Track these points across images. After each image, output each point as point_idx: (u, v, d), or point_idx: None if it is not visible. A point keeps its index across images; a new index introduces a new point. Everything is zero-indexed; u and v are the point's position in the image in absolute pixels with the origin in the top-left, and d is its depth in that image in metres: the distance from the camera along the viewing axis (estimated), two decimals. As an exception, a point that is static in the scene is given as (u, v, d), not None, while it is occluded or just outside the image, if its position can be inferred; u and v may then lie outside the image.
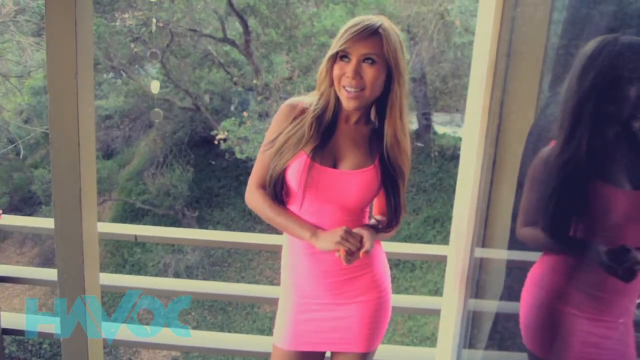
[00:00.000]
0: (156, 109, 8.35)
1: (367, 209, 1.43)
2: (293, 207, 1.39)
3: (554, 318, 1.32)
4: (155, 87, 7.58)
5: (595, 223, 1.23)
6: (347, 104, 1.32)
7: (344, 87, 1.30)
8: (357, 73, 1.28)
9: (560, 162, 1.22)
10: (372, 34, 1.27)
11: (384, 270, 1.47)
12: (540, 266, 1.38)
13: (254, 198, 1.43)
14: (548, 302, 1.33)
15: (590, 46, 1.15)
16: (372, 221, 1.43)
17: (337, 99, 1.35)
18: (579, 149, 1.17)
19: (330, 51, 1.31)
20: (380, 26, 1.28)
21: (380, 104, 1.36)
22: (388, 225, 1.40)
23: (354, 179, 1.34)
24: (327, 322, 1.43)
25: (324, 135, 1.36)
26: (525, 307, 1.38)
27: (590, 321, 1.27)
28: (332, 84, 1.34)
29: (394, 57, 1.29)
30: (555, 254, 1.35)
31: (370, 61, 1.28)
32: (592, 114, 1.16)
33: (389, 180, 1.36)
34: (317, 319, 1.43)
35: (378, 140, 1.37)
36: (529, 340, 1.37)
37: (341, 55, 1.30)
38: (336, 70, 1.31)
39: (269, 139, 1.41)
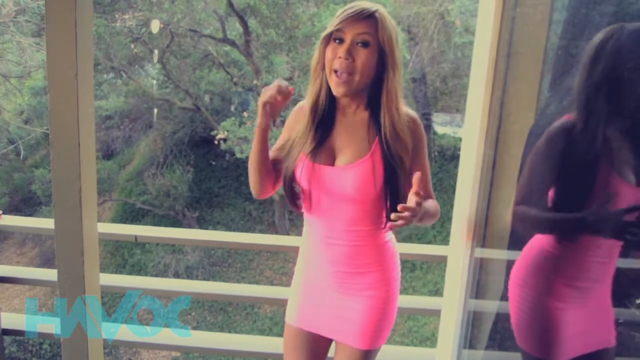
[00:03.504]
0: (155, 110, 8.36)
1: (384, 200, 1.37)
2: (307, 205, 1.41)
3: (543, 314, 1.35)
4: (155, 26, 7.54)
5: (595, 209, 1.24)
6: (337, 89, 1.30)
7: (334, 71, 1.29)
8: (350, 54, 1.27)
9: (575, 143, 1.22)
10: (368, 16, 1.27)
11: (395, 271, 1.46)
12: (522, 266, 1.42)
13: None
14: (535, 299, 1.36)
15: (598, 36, 1.16)
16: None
17: (330, 89, 1.34)
18: (596, 133, 1.18)
19: (325, 32, 1.31)
20: (376, 10, 1.29)
21: (374, 93, 1.34)
22: (386, 217, 1.36)
23: (348, 173, 1.34)
24: (330, 308, 1.44)
25: (323, 130, 1.37)
26: (514, 308, 1.41)
27: (577, 311, 1.31)
28: (324, 67, 1.33)
29: (389, 43, 1.29)
30: (537, 250, 1.38)
31: (363, 44, 1.28)
32: (604, 103, 1.17)
33: (388, 169, 1.33)
34: (320, 304, 1.45)
35: (376, 127, 1.35)
36: (522, 340, 1.40)
37: (335, 38, 1.30)
38: (328, 53, 1.30)
39: (278, 144, 1.45)
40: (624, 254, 1.27)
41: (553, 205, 1.31)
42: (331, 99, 1.36)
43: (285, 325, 1.53)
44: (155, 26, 8.29)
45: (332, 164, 1.36)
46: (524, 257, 1.42)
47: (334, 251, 1.40)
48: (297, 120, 1.43)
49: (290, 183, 1.39)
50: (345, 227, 1.38)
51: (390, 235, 1.47)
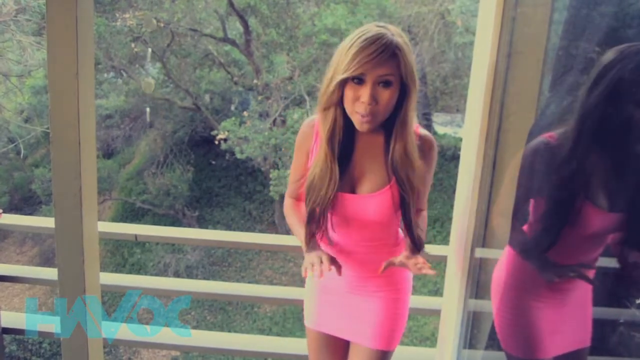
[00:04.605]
0: (147, 80, 8.25)
1: (398, 221, 1.40)
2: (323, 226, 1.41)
3: (522, 313, 1.38)
4: (148, 87, 7.46)
5: (563, 230, 1.25)
6: (361, 127, 1.26)
7: (357, 112, 1.24)
8: (374, 98, 1.21)
9: (550, 164, 1.22)
10: (390, 56, 1.19)
11: (404, 272, 1.48)
12: (503, 267, 1.45)
13: (285, 205, 1.54)
14: (515, 299, 1.39)
15: (608, 55, 1.13)
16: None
17: (345, 116, 1.29)
18: (579, 155, 1.18)
19: (342, 73, 1.21)
20: (396, 45, 1.20)
21: (391, 115, 1.30)
22: (413, 243, 1.35)
23: (370, 201, 1.34)
24: (345, 310, 1.47)
25: (342, 158, 1.33)
26: (496, 310, 1.44)
27: (555, 309, 1.34)
28: (339, 102, 1.27)
29: (412, 76, 1.23)
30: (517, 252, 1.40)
31: (385, 83, 1.21)
32: (597, 128, 1.16)
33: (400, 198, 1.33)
34: (336, 304, 1.47)
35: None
36: (505, 341, 1.42)
37: (352, 78, 1.22)
38: (349, 93, 1.23)
39: (295, 174, 1.44)
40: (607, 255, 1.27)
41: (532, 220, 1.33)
42: (347, 127, 1.31)
43: (306, 329, 1.56)
44: (150, 24, 8.25)
45: (352, 190, 1.36)
46: (504, 259, 1.44)
47: (348, 260, 1.42)
48: (308, 139, 1.39)
49: (319, 219, 1.35)
50: (360, 242, 1.41)
51: (400, 240, 1.49)
